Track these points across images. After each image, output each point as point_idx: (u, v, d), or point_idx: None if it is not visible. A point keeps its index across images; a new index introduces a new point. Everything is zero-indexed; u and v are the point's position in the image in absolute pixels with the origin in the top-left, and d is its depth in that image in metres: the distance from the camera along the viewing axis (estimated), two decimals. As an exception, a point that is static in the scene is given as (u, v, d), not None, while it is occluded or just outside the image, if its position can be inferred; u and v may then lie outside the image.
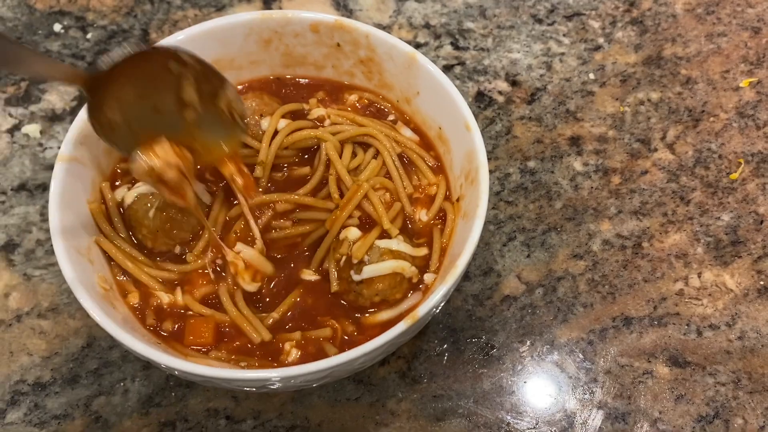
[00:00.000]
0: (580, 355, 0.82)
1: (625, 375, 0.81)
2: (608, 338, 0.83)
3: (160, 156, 0.66)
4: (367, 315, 0.72)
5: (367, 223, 0.76)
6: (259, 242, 0.74)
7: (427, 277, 0.74)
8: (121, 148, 0.68)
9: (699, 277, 0.87)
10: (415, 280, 0.73)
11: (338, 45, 0.82)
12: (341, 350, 0.69)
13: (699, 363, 0.82)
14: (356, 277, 0.71)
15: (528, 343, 0.83)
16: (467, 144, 0.75)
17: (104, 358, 0.81)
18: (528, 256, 0.88)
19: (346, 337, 0.72)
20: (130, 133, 0.67)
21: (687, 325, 0.84)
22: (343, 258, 0.72)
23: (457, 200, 0.77)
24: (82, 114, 0.74)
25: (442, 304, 0.69)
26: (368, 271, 0.71)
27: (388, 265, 0.71)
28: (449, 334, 0.83)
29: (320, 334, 0.71)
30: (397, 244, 0.73)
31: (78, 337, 0.82)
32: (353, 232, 0.73)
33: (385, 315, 0.72)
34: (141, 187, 0.74)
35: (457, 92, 0.77)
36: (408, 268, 0.72)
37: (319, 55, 0.84)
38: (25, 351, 0.81)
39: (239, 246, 0.73)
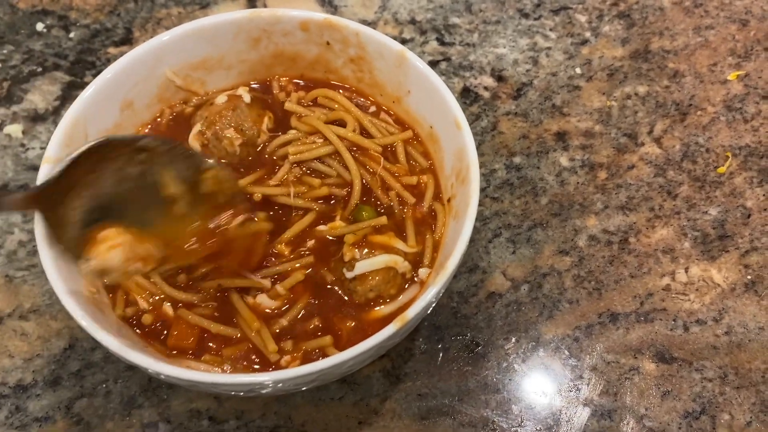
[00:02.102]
0: (566, 352, 0.81)
1: (611, 371, 0.80)
2: (594, 334, 0.82)
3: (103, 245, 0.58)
4: (366, 312, 0.72)
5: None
6: (281, 288, 0.72)
7: (422, 272, 0.73)
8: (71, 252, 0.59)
9: (686, 272, 0.86)
10: (408, 276, 0.73)
11: (328, 43, 0.81)
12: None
13: (686, 359, 0.81)
14: (349, 274, 0.70)
15: (513, 340, 0.82)
16: (458, 142, 0.74)
17: (86, 359, 0.80)
18: (513, 252, 0.88)
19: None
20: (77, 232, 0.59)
21: (674, 320, 0.83)
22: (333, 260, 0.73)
23: (449, 200, 0.76)
24: (69, 114, 0.74)
25: (433, 305, 0.68)
26: (361, 266, 0.70)
27: (380, 260, 0.71)
28: (434, 331, 0.82)
29: (319, 344, 0.70)
30: (389, 238, 0.73)
31: (60, 338, 0.81)
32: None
33: (385, 309, 0.72)
34: None
35: (447, 90, 0.76)
36: (401, 263, 0.72)
37: (310, 54, 0.83)
38: (6, 353, 0.80)
39: (260, 298, 0.71)
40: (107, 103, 0.77)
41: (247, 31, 0.81)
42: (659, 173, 0.93)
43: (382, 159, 0.79)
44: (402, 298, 0.72)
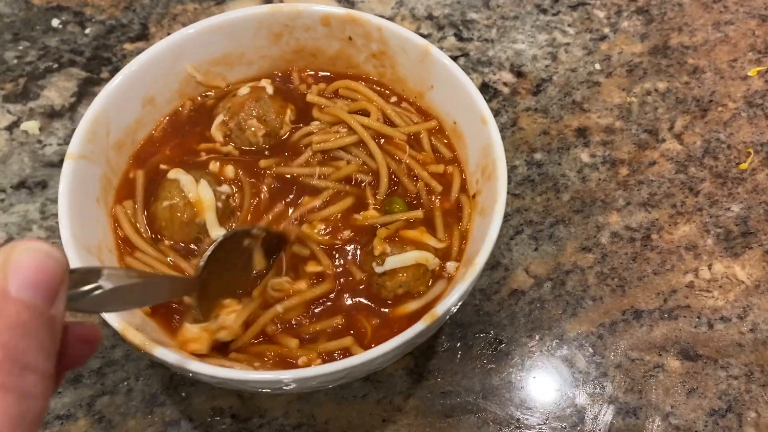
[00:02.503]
0: (590, 350, 0.81)
1: (635, 369, 0.80)
2: (618, 332, 0.82)
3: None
4: (392, 308, 0.71)
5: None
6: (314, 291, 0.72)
7: (450, 266, 0.72)
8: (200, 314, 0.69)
9: (709, 269, 0.86)
10: (437, 272, 0.72)
11: (350, 38, 0.81)
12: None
13: (711, 356, 0.81)
14: (378, 269, 0.70)
15: (537, 337, 0.81)
16: (483, 138, 0.73)
17: (107, 357, 0.79)
18: (536, 249, 0.87)
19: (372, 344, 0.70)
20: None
21: (698, 317, 0.83)
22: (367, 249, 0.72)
23: (474, 196, 0.76)
24: (91, 110, 0.73)
25: (461, 302, 0.67)
26: (391, 262, 0.69)
27: (411, 256, 0.70)
28: (456, 329, 0.81)
29: (341, 345, 0.69)
30: (421, 234, 0.72)
31: (80, 336, 0.81)
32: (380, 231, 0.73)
33: (412, 305, 0.71)
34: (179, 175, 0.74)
35: (473, 85, 0.75)
36: (431, 259, 0.71)
37: (331, 49, 0.83)
38: (26, 351, 0.80)
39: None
40: (128, 99, 0.77)
41: (268, 26, 0.80)
42: (681, 170, 0.93)
43: (408, 147, 0.78)
44: (429, 295, 0.71)
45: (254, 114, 0.77)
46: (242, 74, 0.83)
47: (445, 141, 0.80)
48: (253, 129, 0.77)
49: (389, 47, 0.80)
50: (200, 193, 0.72)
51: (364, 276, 0.71)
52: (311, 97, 0.81)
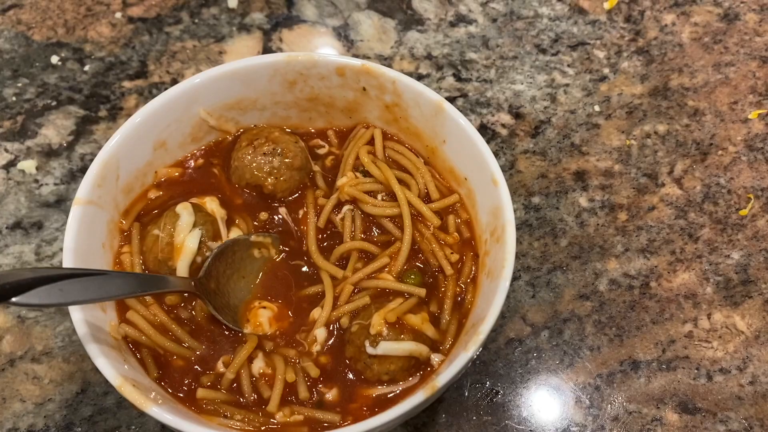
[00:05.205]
0: (587, 401, 0.80)
1: (633, 422, 0.79)
2: (616, 383, 0.81)
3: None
4: (361, 384, 0.70)
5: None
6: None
7: (435, 358, 0.70)
8: (231, 324, 0.73)
9: (708, 318, 0.85)
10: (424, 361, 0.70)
11: (364, 89, 0.81)
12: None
13: (709, 409, 0.79)
14: (371, 350, 0.68)
15: (533, 388, 0.80)
16: (494, 199, 0.73)
17: (99, 404, 0.79)
18: (533, 296, 0.86)
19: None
20: (231, 310, 0.74)
21: (697, 369, 0.82)
22: (358, 323, 0.70)
23: (482, 255, 0.75)
24: (102, 154, 0.73)
25: (462, 373, 0.66)
26: (385, 347, 0.67)
27: (406, 347, 0.68)
28: (452, 379, 0.80)
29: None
30: (422, 322, 0.70)
31: (72, 382, 0.80)
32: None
33: (380, 389, 0.69)
34: None
35: (485, 144, 0.75)
36: (425, 353, 0.69)
37: (345, 99, 0.83)
38: (17, 397, 0.79)
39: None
40: (141, 143, 0.77)
41: (283, 74, 0.80)
42: (680, 215, 0.92)
43: (434, 227, 0.78)
44: (402, 385, 0.69)
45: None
46: (255, 118, 0.84)
47: (465, 218, 0.79)
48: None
49: (403, 100, 0.79)
50: (186, 239, 0.72)
51: (355, 352, 0.70)
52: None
